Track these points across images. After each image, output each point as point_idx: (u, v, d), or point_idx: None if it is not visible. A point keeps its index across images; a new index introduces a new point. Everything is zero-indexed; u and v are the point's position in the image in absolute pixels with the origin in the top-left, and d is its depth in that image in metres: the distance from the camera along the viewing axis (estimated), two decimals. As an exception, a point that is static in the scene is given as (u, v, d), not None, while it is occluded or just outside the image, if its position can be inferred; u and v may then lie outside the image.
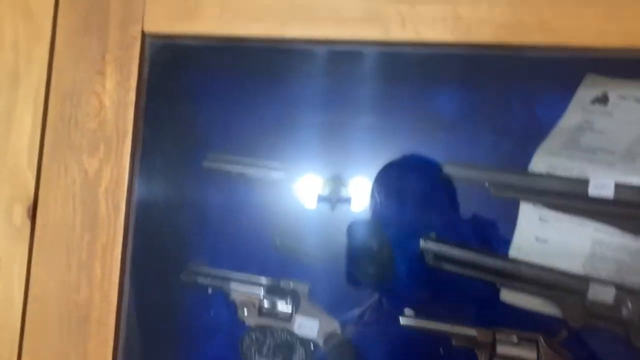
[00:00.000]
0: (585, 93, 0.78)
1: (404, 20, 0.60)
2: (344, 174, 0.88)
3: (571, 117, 0.80)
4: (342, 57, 0.74)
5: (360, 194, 0.87)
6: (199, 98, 0.86)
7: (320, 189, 0.88)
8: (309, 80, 0.83)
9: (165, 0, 0.63)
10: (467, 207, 0.88)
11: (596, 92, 0.77)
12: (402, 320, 0.84)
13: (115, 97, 0.63)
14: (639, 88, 0.76)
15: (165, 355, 0.89)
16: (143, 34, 0.63)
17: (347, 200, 0.87)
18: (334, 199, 0.87)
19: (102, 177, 0.62)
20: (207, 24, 0.63)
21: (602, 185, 0.82)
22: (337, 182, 0.88)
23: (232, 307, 0.88)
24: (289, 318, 0.85)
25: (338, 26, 0.62)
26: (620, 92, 0.77)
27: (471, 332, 0.84)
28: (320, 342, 0.84)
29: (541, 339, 0.83)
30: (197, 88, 0.87)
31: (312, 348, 0.84)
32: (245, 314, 0.85)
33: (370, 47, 0.65)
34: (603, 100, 0.78)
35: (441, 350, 0.85)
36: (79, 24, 0.64)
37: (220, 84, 0.87)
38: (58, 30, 0.64)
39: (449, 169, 0.87)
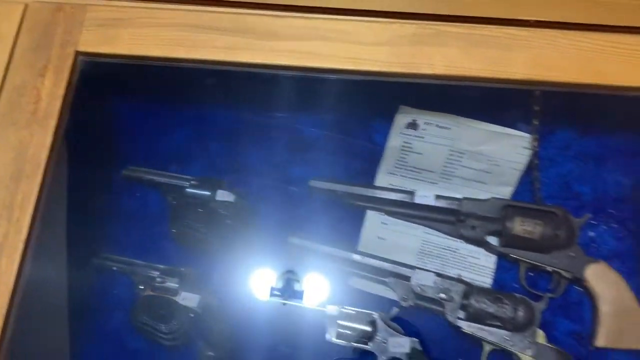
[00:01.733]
0: (400, 120, 1.06)
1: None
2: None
3: (394, 140, 1.08)
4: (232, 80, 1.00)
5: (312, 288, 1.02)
6: (121, 112, 1.12)
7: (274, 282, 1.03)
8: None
9: (95, 29, 0.92)
10: (327, 212, 1.12)
11: (408, 119, 1.06)
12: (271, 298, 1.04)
13: (49, 92, 0.88)
14: (439, 116, 1.05)
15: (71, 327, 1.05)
16: (76, 52, 0.90)
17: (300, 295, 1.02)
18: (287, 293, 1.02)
19: (30, 146, 0.86)
20: (123, 47, 0.91)
21: (424, 196, 1.08)
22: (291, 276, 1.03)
23: (132, 287, 1.07)
24: (175, 292, 1.04)
25: (216, 51, 0.90)
26: (425, 119, 1.05)
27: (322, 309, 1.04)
28: (199, 311, 1.03)
29: (377, 316, 1.03)
30: (121, 104, 1.13)
31: (192, 315, 1.02)
32: (142, 287, 1.04)
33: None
34: (414, 126, 1.06)
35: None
36: (33, 42, 0.91)
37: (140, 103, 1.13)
38: (18, 45, 0.91)
39: (315, 184, 1.11)
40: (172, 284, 1.04)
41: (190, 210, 1.07)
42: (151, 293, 1.04)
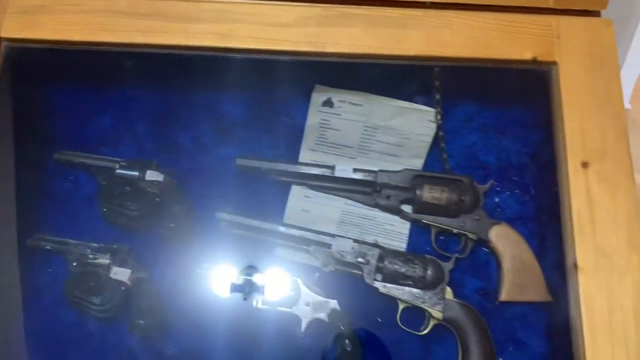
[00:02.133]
0: (316, 99, 1.14)
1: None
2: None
3: (312, 118, 1.15)
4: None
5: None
6: (49, 97, 1.17)
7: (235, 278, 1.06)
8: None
9: (18, 16, 0.96)
10: (254, 188, 1.18)
11: (323, 97, 1.13)
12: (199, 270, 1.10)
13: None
14: (352, 94, 1.13)
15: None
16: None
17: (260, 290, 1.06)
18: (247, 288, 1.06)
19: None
20: (46, 32, 0.96)
21: (344, 170, 1.15)
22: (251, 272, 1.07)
23: (66, 265, 1.11)
24: (107, 268, 1.09)
25: (135, 35, 0.96)
26: (339, 97, 1.13)
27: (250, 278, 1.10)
28: (130, 284, 1.08)
29: (300, 281, 1.10)
30: (48, 89, 1.17)
31: (123, 288, 1.07)
32: (74, 264, 1.09)
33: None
34: (330, 104, 1.14)
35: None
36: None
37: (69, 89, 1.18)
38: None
39: (241, 162, 1.17)
40: (103, 260, 1.09)
41: (120, 190, 1.12)
42: (84, 269, 1.08)
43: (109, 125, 1.19)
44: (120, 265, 1.09)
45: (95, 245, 1.12)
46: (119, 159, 1.15)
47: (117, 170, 1.14)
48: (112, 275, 1.07)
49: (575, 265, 0.88)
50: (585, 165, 0.90)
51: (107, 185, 1.14)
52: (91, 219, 1.16)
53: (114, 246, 1.11)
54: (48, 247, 1.11)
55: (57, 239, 1.12)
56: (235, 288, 1.07)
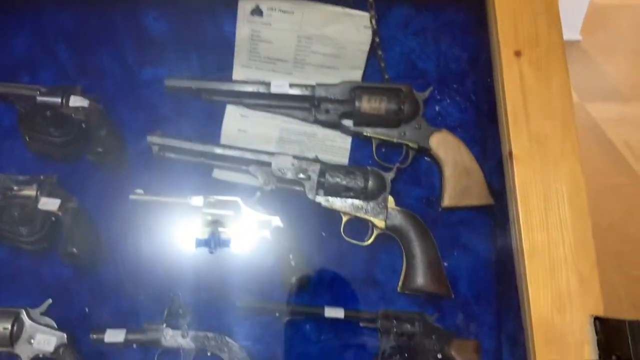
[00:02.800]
0: (244, 7, 1.08)
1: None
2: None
3: (242, 29, 1.10)
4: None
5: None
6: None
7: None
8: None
9: None
10: (186, 111, 1.13)
11: (251, 5, 1.08)
12: (131, 196, 1.05)
13: None
14: (281, 0, 1.07)
15: None
16: None
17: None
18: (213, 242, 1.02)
19: None
20: None
21: (280, 85, 1.11)
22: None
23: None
24: (35, 199, 1.03)
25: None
26: (268, 5, 1.07)
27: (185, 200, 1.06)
28: (60, 214, 1.02)
29: (240, 200, 1.07)
30: None
31: (53, 219, 1.02)
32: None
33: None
34: (258, 12, 1.08)
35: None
36: None
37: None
38: None
39: (170, 82, 1.11)
40: (29, 191, 1.03)
41: (42, 117, 1.05)
42: (9, 202, 1.02)
43: (26, 49, 1.11)
44: (49, 196, 1.03)
45: (20, 177, 1.05)
46: (39, 86, 1.08)
47: (38, 98, 1.07)
48: (40, 206, 1.02)
49: (510, 154, 0.86)
50: (518, 54, 0.88)
51: (28, 114, 1.06)
52: (14, 151, 1.09)
53: (41, 177, 1.05)
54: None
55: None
56: (200, 243, 1.03)
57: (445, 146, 1.09)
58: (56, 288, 1.03)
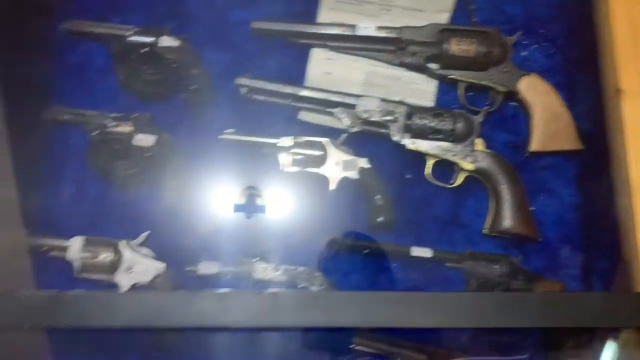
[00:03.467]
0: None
1: None
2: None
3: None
4: None
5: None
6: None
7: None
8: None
9: None
10: (272, 53, 1.14)
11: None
12: (221, 136, 1.07)
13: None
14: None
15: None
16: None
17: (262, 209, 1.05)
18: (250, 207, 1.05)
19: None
20: None
21: (366, 28, 1.11)
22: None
23: (86, 135, 1.08)
24: (130, 135, 1.06)
25: None
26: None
27: (274, 141, 1.08)
28: (153, 150, 1.05)
29: (328, 140, 1.08)
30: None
31: (147, 155, 1.05)
32: (95, 133, 1.06)
33: None
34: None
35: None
36: None
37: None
38: None
39: (257, 25, 1.12)
40: (125, 128, 1.06)
41: (136, 56, 1.07)
42: (105, 138, 1.05)
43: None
44: (143, 133, 1.06)
45: (115, 114, 1.08)
46: (130, 26, 1.10)
47: (130, 38, 1.09)
48: (134, 142, 1.05)
49: (618, 90, 0.85)
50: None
51: (122, 53, 1.09)
52: (108, 90, 1.12)
53: (135, 114, 1.08)
54: (66, 118, 1.07)
55: (74, 110, 1.09)
56: (238, 208, 1.05)
57: (535, 90, 1.08)
58: (152, 222, 1.06)
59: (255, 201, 1.06)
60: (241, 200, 1.06)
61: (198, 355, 1.04)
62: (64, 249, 1.01)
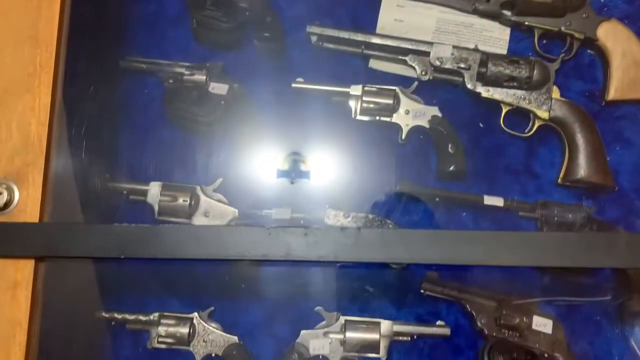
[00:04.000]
0: None
1: None
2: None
3: None
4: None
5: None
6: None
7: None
8: None
9: None
10: (343, 2, 1.13)
11: None
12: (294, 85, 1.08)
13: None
14: None
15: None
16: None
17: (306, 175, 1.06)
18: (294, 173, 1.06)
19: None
20: None
21: (439, -27, 1.09)
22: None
23: (161, 84, 1.11)
24: (204, 83, 1.08)
25: None
26: None
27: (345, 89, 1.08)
28: (229, 98, 1.07)
29: (398, 89, 1.08)
30: None
31: (222, 102, 1.08)
32: (171, 82, 1.09)
33: None
34: None
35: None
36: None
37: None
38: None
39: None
40: (200, 76, 1.08)
41: (210, 3, 1.08)
42: (180, 86, 1.07)
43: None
44: (217, 81, 1.08)
45: (188, 64, 1.10)
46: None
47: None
48: (210, 89, 1.07)
49: None
50: None
51: (196, 2, 1.10)
52: (180, 40, 1.14)
53: (207, 64, 1.10)
54: (143, 66, 1.10)
55: (150, 60, 1.11)
56: (281, 174, 1.06)
57: (614, 36, 1.05)
58: (224, 169, 1.08)
59: (299, 167, 1.07)
60: (285, 166, 1.07)
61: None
62: (144, 192, 1.05)
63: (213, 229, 0.78)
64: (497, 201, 1.03)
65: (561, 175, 1.04)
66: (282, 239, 0.77)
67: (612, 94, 1.04)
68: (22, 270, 0.80)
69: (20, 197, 0.81)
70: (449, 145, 1.05)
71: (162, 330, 1.01)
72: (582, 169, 1.01)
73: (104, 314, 1.02)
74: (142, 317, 1.02)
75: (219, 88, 1.07)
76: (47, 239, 0.77)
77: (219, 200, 1.06)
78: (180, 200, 1.04)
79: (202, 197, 1.05)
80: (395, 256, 0.77)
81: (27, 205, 0.81)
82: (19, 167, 0.82)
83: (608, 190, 1.03)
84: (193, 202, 1.04)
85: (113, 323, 1.03)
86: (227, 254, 0.76)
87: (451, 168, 1.05)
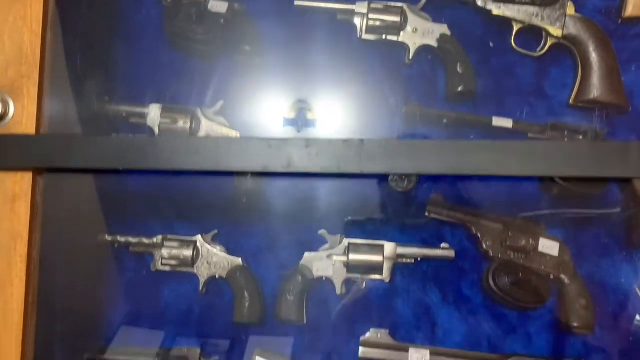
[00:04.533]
0: None
1: None
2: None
3: None
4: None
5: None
6: None
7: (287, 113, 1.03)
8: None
9: None
10: None
11: None
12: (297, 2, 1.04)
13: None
14: None
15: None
16: None
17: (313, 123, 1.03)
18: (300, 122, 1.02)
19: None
20: None
21: None
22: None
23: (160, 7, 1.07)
24: (202, 0, 1.04)
25: None
26: None
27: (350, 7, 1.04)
28: (229, 17, 1.04)
29: (406, 6, 1.03)
30: None
31: (222, 21, 1.04)
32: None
33: None
34: None
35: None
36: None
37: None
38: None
39: None
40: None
41: None
42: (179, 4, 1.04)
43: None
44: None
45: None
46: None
47: None
48: (209, 7, 1.03)
49: None
50: None
51: None
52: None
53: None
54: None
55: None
56: (288, 122, 1.03)
57: (635, -52, 0.99)
58: (225, 91, 1.05)
59: (305, 115, 1.04)
60: (291, 115, 1.04)
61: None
62: (143, 115, 1.03)
63: (212, 140, 0.76)
64: (506, 122, 1.00)
65: (573, 95, 1.00)
66: (283, 150, 0.75)
67: (630, 10, 0.99)
68: (21, 183, 0.79)
69: (15, 109, 0.80)
70: (458, 65, 1.01)
71: (165, 252, 1.01)
72: (596, 88, 0.98)
73: (107, 236, 1.01)
74: (145, 240, 1.02)
75: (218, 6, 1.03)
76: (45, 151, 0.75)
77: (220, 123, 1.04)
78: (181, 123, 1.02)
79: (203, 120, 1.03)
80: (399, 167, 0.75)
81: (22, 117, 0.79)
82: (13, 79, 0.80)
83: (621, 111, 1.00)
84: (194, 124, 1.02)
85: (116, 246, 1.02)
86: (227, 166, 0.75)
87: (460, 89, 1.01)
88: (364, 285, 1.00)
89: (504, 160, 0.73)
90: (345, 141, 0.75)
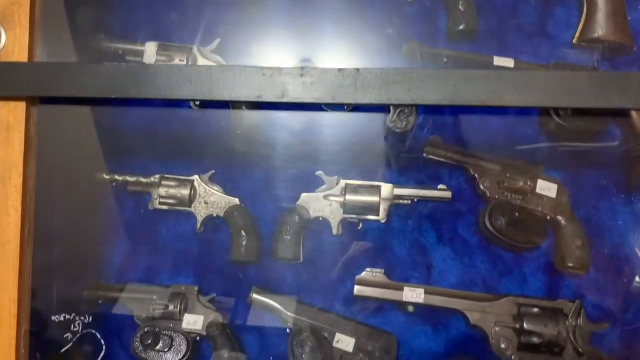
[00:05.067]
0: None
1: None
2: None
3: None
4: None
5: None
6: None
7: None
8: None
9: None
10: None
11: None
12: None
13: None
14: None
15: None
16: None
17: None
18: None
19: None
20: None
21: None
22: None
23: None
24: None
25: None
26: None
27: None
28: None
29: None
30: None
31: None
32: None
33: None
34: None
35: None
36: None
37: None
38: None
39: None
40: None
41: None
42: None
43: None
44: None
45: None
46: None
47: None
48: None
49: None
50: None
51: None
52: None
53: None
54: None
55: None
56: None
57: None
58: (222, 28, 1.04)
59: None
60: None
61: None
62: (139, 53, 1.01)
63: (206, 68, 0.74)
64: (507, 62, 0.98)
65: (577, 34, 0.98)
66: (277, 79, 0.73)
67: (639, -54, 0.96)
68: (14, 112, 0.78)
69: (7, 38, 0.78)
70: (460, 3, 0.99)
71: (163, 191, 1.01)
72: (600, 27, 0.95)
73: (104, 175, 1.01)
74: (142, 179, 1.02)
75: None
76: (37, 79, 0.75)
77: (216, 61, 1.02)
78: (177, 60, 1.01)
79: (199, 58, 1.02)
80: (396, 97, 0.73)
81: (14, 46, 0.78)
82: (3, 7, 0.79)
83: (626, 51, 0.97)
84: (190, 62, 1.01)
85: (114, 184, 1.02)
86: (221, 95, 0.74)
87: (461, 27, 0.99)
88: (360, 225, 1.00)
89: (502, 90, 0.71)
90: (341, 70, 0.73)
